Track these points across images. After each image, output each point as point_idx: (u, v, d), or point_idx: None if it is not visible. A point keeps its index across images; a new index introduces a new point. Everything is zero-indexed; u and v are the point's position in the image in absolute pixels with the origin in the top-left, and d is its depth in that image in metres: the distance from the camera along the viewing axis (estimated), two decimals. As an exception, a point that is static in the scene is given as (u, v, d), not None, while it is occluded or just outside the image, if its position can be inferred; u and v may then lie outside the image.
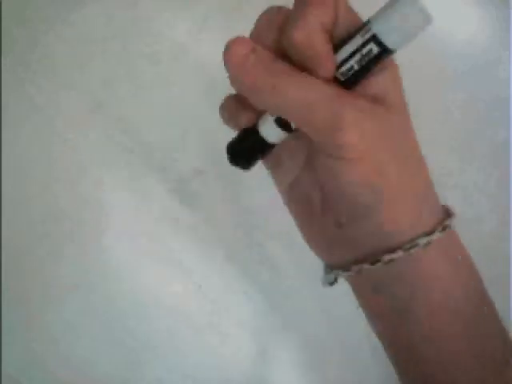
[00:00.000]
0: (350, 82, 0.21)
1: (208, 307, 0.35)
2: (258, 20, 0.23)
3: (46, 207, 0.36)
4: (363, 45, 0.20)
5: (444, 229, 0.25)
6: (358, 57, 0.20)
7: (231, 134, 0.33)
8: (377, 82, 0.22)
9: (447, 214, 0.26)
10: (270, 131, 0.24)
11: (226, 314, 0.35)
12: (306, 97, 0.21)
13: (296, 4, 0.21)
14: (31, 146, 0.36)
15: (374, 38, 0.19)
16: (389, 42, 0.19)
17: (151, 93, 0.35)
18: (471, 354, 0.26)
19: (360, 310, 0.34)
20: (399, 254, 0.24)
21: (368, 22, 0.20)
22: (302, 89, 0.21)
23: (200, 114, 0.35)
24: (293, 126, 0.24)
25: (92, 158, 0.36)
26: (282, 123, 0.24)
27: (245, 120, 0.25)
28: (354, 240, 0.25)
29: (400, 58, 0.33)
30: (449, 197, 0.33)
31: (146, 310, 0.35)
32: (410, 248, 0.24)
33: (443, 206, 0.27)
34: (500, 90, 0.34)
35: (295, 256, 0.35)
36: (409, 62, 0.34)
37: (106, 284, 0.35)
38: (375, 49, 0.19)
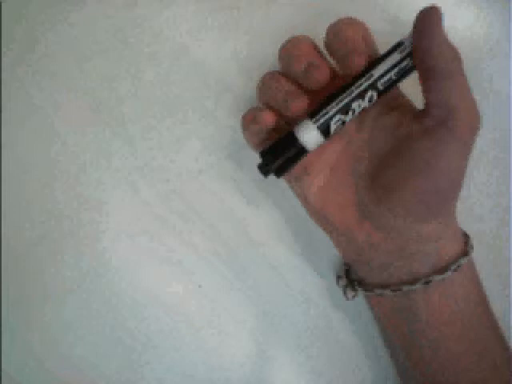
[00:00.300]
0: (386, 90, 0.26)
1: (208, 307, 0.35)
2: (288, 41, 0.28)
3: (45, 207, 0.36)
4: (401, 60, 0.25)
5: (465, 254, 0.27)
6: (396, 70, 0.25)
7: (230, 135, 0.33)
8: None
9: (465, 244, 0.28)
10: (310, 139, 0.25)
11: (225, 314, 0.35)
12: None
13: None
14: (31, 145, 0.36)
15: (411, 55, 0.25)
16: None
17: (151, 93, 0.35)
18: (471, 356, 0.26)
19: (361, 311, 0.34)
20: (418, 286, 0.26)
21: (402, 42, 0.25)
22: None
23: (200, 114, 0.35)
24: (332, 131, 0.26)
25: (92, 157, 0.36)
26: (324, 130, 0.26)
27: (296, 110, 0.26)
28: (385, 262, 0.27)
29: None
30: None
31: (145, 309, 0.35)
32: (427, 282, 0.26)
33: (463, 233, 0.29)
34: (500, 89, 0.34)
35: (296, 256, 0.35)
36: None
37: (106, 284, 0.35)
38: (410, 63, 0.25)
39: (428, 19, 0.24)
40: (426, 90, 0.25)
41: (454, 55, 0.24)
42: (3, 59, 0.36)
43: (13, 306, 0.35)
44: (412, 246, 0.26)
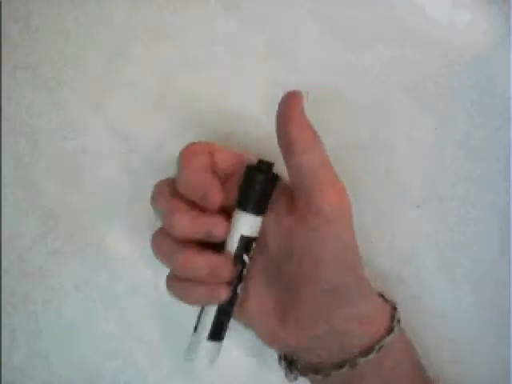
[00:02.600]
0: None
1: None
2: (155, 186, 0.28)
3: (45, 207, 0.36)
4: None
5: (391, 331, 0.27)
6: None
7: (229, 133, 0.33)
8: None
9: (392, 313, 0.29)
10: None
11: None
12: None
13: (179, 157, 0.27)
14: (31, 145, 0.36)
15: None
16: None
17: (152, 92, 0.35)
18: None
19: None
20: (361, 360, 0.26)
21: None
22: None
23: (200, 113, 0.35)
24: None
25: (92, 157, 0.36)
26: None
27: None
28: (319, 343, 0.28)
29: (400, 57, 0.33)
30: (449, 196, 0.33)
31: (145, 309, 0.35)
32: (368, 354, 0.26)
33: (388, 303, 0.29)
34: (500, 89, 0.34)
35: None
36: (408, 61, 0.34)
37: (106, 284, 0.35)
38: None
39: (288, 104, 0.25)
40: (290, 174, 0.26)
41: (313, 137, 0.25)
42: (3, 59, 0.36)
43: (13, 306, 0.35)
44: (334, 332, 0.27)
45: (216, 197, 0.25)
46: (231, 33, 0.34)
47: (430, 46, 0.34)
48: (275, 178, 0.27)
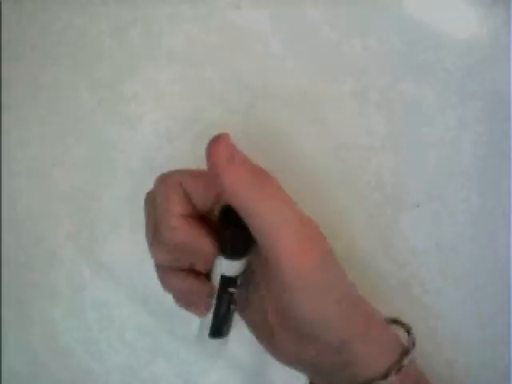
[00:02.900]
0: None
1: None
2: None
3: (45, 207, 0.36)
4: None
5: (400, 369, 0.25)
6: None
7: (231, 131, 0.33)
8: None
9: (403, 350, 0.26)
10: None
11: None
12: None
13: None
14: (31, 145, 0.36)
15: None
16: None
17: (152, 92, 0.35)
18: None
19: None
20: None
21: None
22: None
23: (201, 113, 0.35)
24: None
25: (93, 157, 0.36)
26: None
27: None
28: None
29: (399, 57, 0.33)
30: (448, 196, 0.33)
31: (145, 309, 0.35)
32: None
33: (398, 340, 0.27)
34: (500, 90, 0.34)
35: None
36: (408, 62, 0.34)
37: (106, 284, 0.35)
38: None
39: (212, 159, 0.22)
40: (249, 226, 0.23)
41: (253, 176, 0.22)
42: (3, 59, 0.36)
43: (13, 306, 0.36)
44: (345, 364, 0.25)
45: (209, 258, 0.25)
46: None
47: (430, 46, 0.34)
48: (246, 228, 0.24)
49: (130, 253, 0.35)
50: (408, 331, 0.28)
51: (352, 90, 0.34)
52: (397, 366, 0.25)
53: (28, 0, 0.36)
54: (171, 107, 0.35)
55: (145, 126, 0.35)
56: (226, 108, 0.34)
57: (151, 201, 0.26)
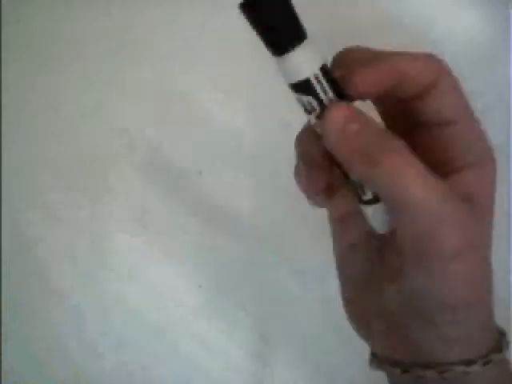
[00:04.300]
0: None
1: (208, 307, 0.35)
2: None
3: (45, 207, 0.36)
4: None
5: (487, 363, 0.23)
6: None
7: (233, 138, 0.33)
8: (467, 181, 0.22)
9: (499, 343, 0.24)
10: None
11: (225, 314, 0.35)
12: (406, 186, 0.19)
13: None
14: (31, 146, 0.36)
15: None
16: None
17: (152, 91, 0.35)
18: None
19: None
20: (433, 373, 0.22)
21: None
22: (403, 177, 0.19)
23: (201, 113, 0.35)
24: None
25: (93, 157, 0.36)
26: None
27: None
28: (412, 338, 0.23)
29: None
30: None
31: (145, 309, 0.35)
32: (444, 372, 0.22)
33: (499, 331, 0.25)
34: (500, 90, 0.34)
35: (296, 255, 0.35)
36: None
37: (106, 284, 0.35)
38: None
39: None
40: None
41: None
42: (3, 59, 0.36)
43: (13, 306, 0.35)
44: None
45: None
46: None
47: (430, 46, 0.34)
48: None
49: (133, 251, 0.35)
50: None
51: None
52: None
53: (28, 0, 0.36)
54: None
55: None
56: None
57: None
